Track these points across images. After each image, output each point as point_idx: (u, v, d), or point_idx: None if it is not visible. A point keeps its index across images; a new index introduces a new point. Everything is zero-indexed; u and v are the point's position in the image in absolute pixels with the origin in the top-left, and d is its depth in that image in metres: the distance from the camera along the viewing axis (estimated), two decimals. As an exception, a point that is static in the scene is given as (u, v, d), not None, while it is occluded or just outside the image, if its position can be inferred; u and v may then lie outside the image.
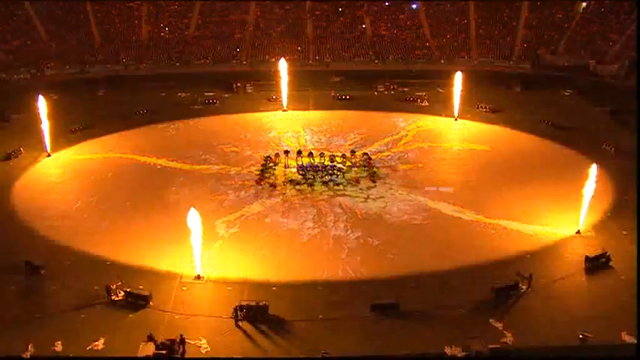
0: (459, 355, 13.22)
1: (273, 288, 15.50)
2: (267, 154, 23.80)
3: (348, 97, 31.32)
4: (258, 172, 22.34)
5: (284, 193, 20.90)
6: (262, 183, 21.49)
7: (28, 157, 23.53)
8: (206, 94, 31.76)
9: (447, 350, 13.36)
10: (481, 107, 28.90)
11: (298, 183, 21.52)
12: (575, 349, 13.39)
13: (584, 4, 37.30)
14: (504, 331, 13.84)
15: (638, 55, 30.83)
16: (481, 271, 16.19)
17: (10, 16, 37.04)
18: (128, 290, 14.89)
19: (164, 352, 13.06)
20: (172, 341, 13.32)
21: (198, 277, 15.81)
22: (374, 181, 21.73)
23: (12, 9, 37.38)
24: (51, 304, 14.86)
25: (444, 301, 14.92)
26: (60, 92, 29.94)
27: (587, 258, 16.26)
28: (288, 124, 28.01)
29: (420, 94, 31.04)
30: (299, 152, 23.73)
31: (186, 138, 26.43)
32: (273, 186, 21.31)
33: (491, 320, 14.20)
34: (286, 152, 23.77)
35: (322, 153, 23.86)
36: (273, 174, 22.38)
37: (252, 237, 18.02)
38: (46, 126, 23.55)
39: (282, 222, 18.98)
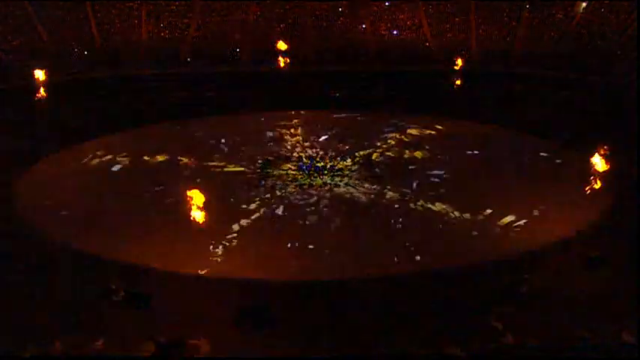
0: (459, 355, 13.21)
1: (276, 286, 15.48)
2: (267, 157, 23.65)
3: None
4: (256, 175, 22.15)
5: (283, 192, 20.84)
6: (260, 187, 21.27)
7: (28, 157, 23.62)
8: (206, 94, 31.86)
9: (447, 350, 13.34)
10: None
11: (300, 185, 21.40)
12: (575, 349, 13.38)
13: (584, 4, 37.32)
14: (504, 331, 13.85)
15: (638, 55, 30.88)
16: (481, 270, 16.08)
17: (10, 16, 37.06)
18: (127, 290, 14.86)
19: (164, 351, 13.06)
20: (172, 341, 13.32)
21: (198, 276, 15.83)
22: (376, 179, 21.52)
23: (12, 9, 37.40)
24: (51, 304, 14.87)
25: (443, 301, 14.79)
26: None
27: (587, 258, 16.21)
28: (288, 125, 27.99)
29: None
30: (300, 158, 23.68)
31: (185, 138, 26.49)
32: (272, 187, 21.22)
33: (491, 320, 14.22)
34: (287, 158, 23.65)
35: (323, 156, 23.81)
36: (272, 174, 22.31)
37: (252, 236, 17.92)
38: None
39: (281, 221, 18.95)
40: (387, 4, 39.89)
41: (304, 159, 23.47)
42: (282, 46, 32.90)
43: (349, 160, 23.46)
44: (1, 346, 13.37)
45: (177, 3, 39.20)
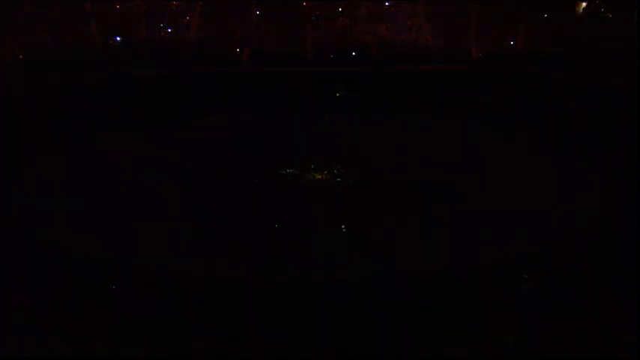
0: (459, 354, 13.22)
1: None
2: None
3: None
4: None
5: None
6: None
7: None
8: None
9: (448, 350, 13.36)
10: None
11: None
12: (575, 349, 13.40)
13: (584, 4, 37.35)
14: (504, 331, 13.86)
15: (638, 54, 30.88)
16: (480, 270, 16.12)
17: (10, 15, 37.09)
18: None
19: None
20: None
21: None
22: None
23: (13, 9, 37.41)
24: (52, 303, 14.87)
25: (443, 300, 14.81)
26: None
27: (585, 257, 16.28)
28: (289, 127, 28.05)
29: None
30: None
31: (185, 138, 26.53)
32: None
33: (494, 320, 14.23)
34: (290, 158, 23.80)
35: (322, 157, 23.70)
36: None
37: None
38: None
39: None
40: (387, 4, 39.89)
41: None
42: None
43: (346, 161, 23.54)
44: (1, 347, 13.43)
45: (177, 3, 39.27)
